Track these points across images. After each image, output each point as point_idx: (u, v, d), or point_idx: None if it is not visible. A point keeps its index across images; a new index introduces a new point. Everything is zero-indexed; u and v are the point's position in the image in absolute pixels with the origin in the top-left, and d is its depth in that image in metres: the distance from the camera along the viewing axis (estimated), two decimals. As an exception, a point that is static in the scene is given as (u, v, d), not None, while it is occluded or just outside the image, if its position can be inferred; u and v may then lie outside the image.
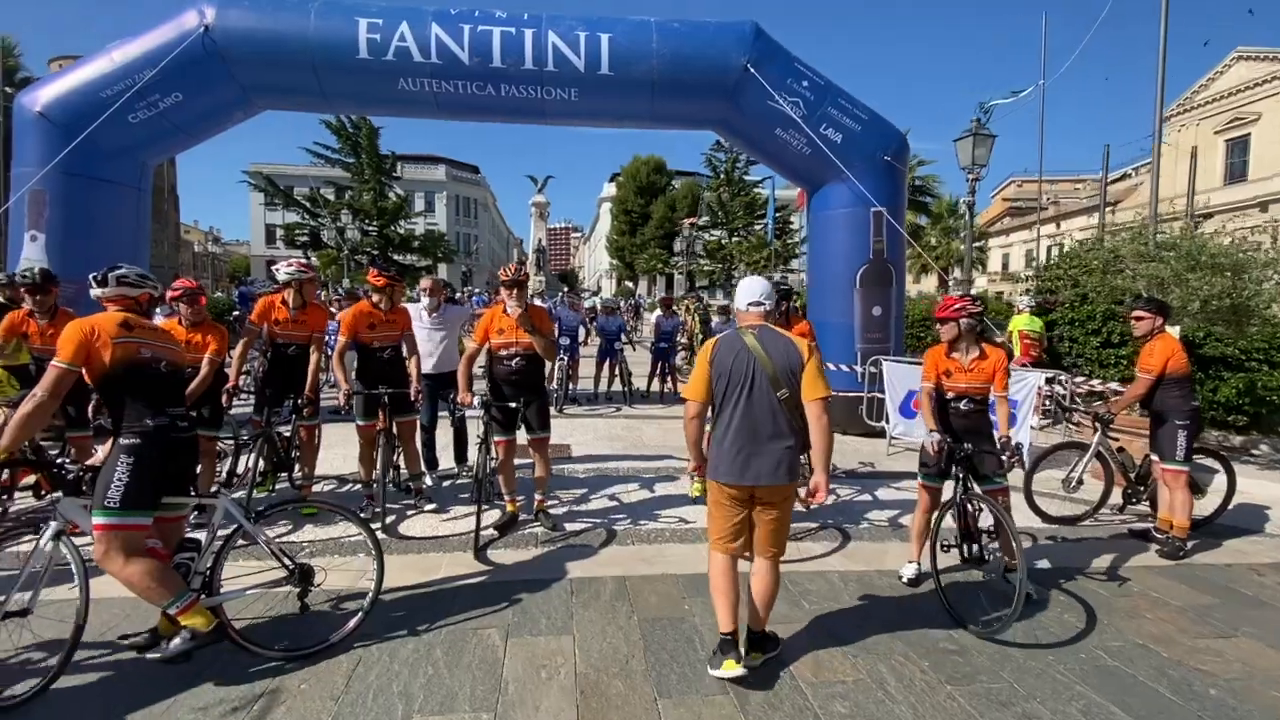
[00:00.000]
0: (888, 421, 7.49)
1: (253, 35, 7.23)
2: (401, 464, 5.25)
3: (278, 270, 5.00)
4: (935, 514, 3.80)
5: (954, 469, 3.77)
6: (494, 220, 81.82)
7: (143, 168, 7.87)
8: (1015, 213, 50.10)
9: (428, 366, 5.40)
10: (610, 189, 67.65)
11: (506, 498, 4.77)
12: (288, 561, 2.99)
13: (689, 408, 2.98)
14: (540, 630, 3.27)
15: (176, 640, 2.68)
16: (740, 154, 51.17)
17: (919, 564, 3.94)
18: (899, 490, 5.89)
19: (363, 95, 7.92)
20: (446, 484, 5.80)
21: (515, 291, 4.54)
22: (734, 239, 51.69)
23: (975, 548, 3.68)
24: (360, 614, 3.10)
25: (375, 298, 4.95)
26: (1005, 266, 45.74)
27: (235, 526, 2.91)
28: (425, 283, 5.65)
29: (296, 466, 5.11)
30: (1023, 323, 9.02)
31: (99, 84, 7.07)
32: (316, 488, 5.37)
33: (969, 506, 3.72)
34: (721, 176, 52.27)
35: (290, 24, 7.25)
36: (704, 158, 52.59)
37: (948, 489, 3.87)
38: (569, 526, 4.80)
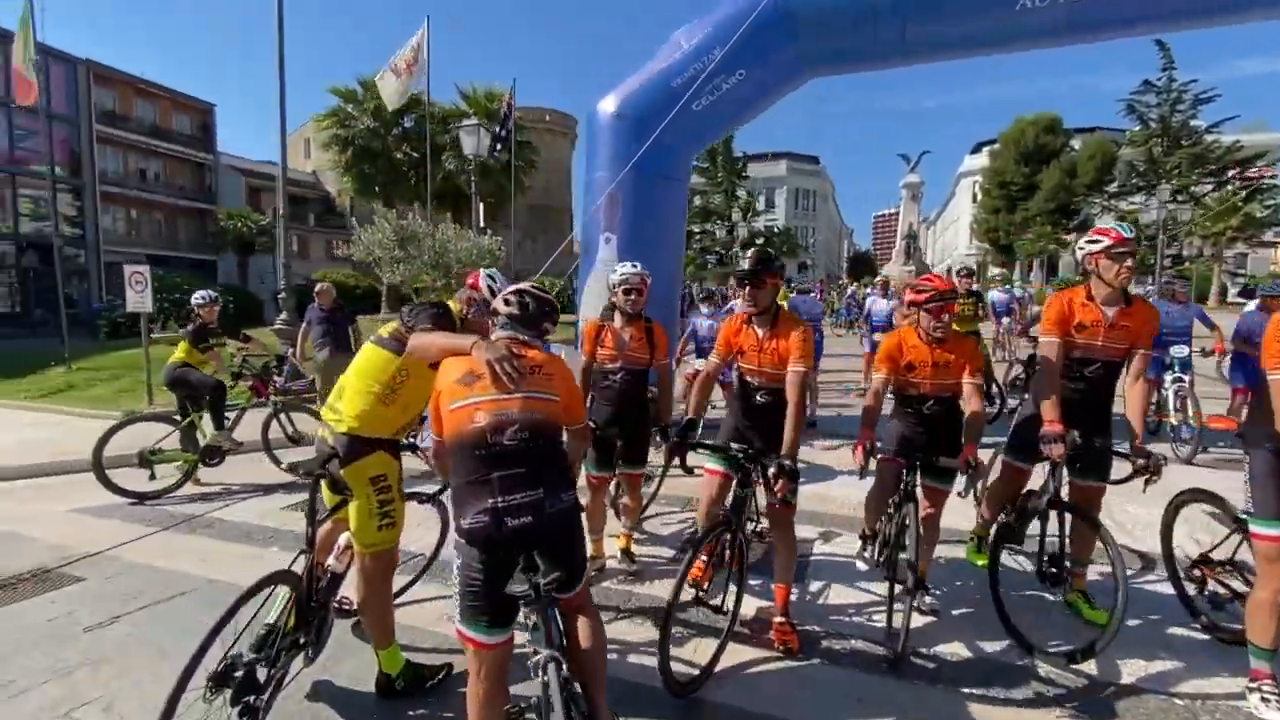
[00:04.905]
0: None
1: (826, -18, 6.15)
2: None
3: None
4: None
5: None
6: (830, 212, 78.70)
7: (688, 161, 7.59)
8: None
9: None
10: (974, 161, 58.49)
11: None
12: None
13: None
14: None
15: None
16: (1186, 91, 38.84)
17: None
18: None
19: (954, 33, 6.25)
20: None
21: None
22: (1173, 204, 39.23)
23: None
24: None
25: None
26: None
27: None
28: None
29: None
30: None
31: (669, 74, 6.78)
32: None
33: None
34: (1152, 125, 40.09)
35: (874, -43, 5.97)
36: (1122, 105, 41.07)
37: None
38: None
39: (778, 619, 3.02)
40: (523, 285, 2.22)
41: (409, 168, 21.16)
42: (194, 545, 4.34)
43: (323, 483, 2.58)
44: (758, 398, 3.06)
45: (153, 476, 5.24)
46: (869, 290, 15.38)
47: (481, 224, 11.51)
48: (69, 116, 27.52)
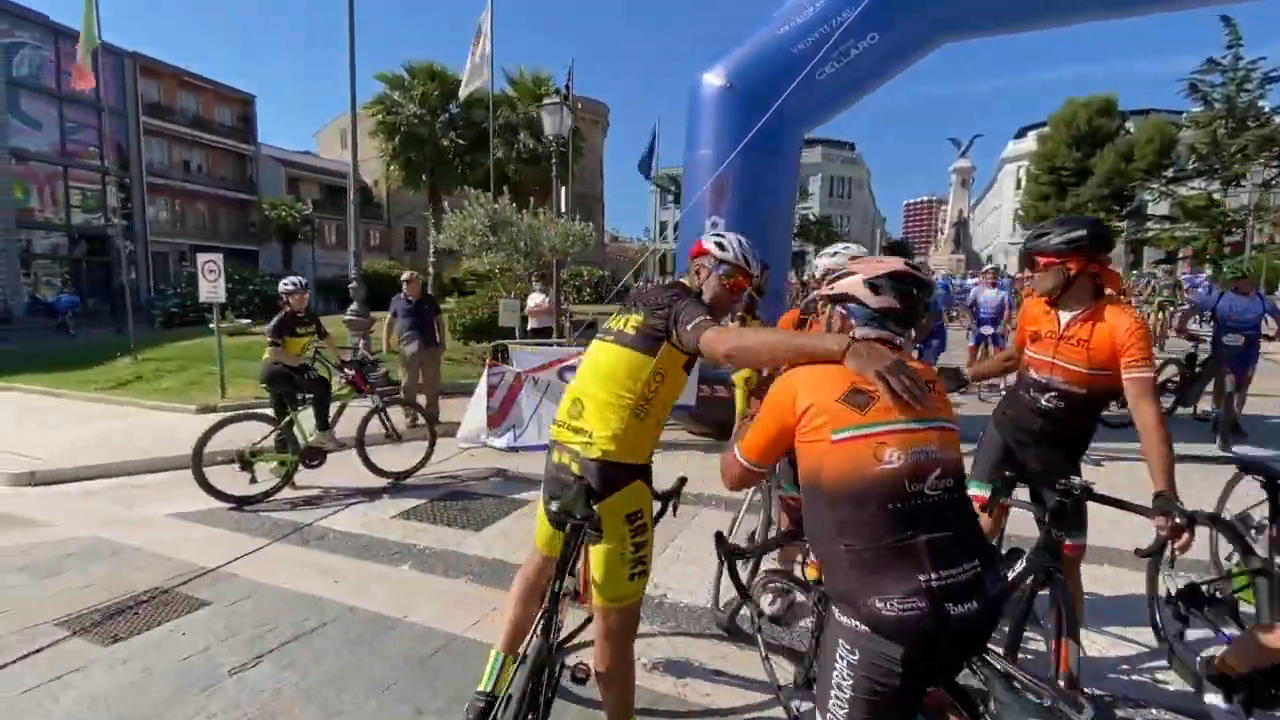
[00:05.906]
0: None
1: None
2: None
3: None
4: None
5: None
6: (865, 200, 76.85)
7: (802, 135, 6.96)
8: None
9: None
10: (1019, 146, 56.36)
11: None
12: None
13: None
14: None
15: None
16: (1254, 69, 36.62)
17: None
18: None
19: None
20: None
21: None
22: (1265, 187, 37.05)
23: None
24: None
25: None
26: None
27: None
28: None
29: None
30: None
31: (790, 38, 6.17)
32: None
33: None
34: (1217, 106, 37.91)
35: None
36: (1184, 84, 38.83)
37: None
38: None
39: (1063, 684, 2.45)
40: (895, 265, 1.60)
41: (455, 155, 20.78)
42: (313, 560, 3.91)
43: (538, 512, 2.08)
44: (1043, 400, 2.39)
45: (254, 480, 4.84)
46: (974, 279, 14.29)
47: (564, 208, 11.04)
48: (117, 109, 27.68)
